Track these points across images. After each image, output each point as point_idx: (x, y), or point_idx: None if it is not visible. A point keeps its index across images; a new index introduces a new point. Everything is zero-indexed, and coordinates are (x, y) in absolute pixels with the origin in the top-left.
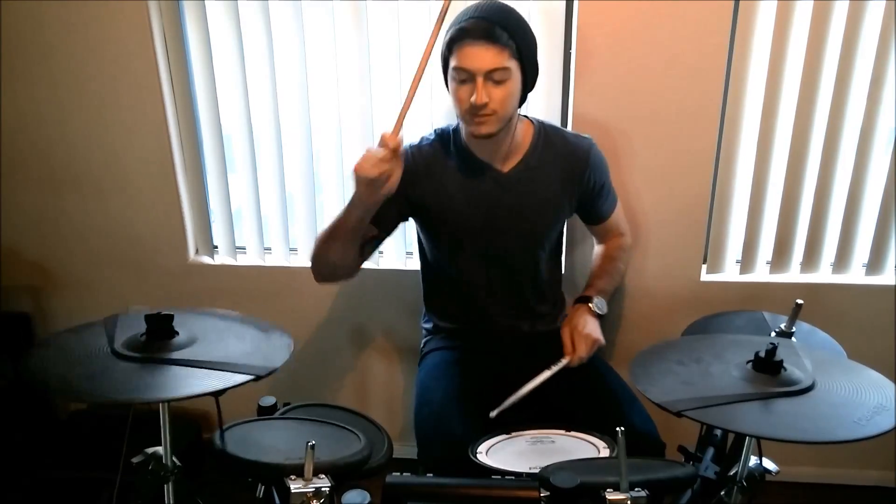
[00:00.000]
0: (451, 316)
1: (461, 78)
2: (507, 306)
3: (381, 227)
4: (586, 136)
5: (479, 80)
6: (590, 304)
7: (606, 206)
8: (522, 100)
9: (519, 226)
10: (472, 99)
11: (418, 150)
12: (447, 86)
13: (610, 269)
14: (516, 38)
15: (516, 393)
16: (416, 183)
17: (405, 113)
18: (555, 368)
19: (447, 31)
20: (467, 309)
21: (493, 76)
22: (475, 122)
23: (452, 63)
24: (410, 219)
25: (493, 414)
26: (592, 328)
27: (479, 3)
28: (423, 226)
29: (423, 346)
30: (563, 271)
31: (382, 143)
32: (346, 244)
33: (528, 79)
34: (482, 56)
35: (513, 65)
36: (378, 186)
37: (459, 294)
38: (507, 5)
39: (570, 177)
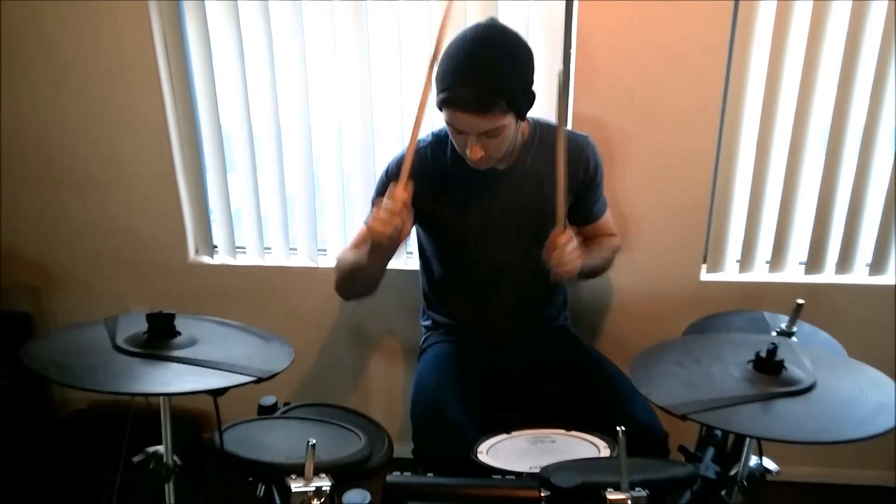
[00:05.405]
0: (451, 314)
1: (454, 130)
2: (506, 305)
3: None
4: (583, 133)
5: (472, 138)
6: None
7: (598, 207)
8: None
9: (517, 223)
10: (467, 152)
11: (415, 153)
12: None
13: (593, 246)
14: (505, 93)
15: None
16: (415, 186)
17: (409, 162)
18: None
19: (436, 84)
20: (466, 308)
21: (487, 133)
22: (472, 164)
23: (444, 117)
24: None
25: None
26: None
27: (463, 59)
28: (423, 227)
29: (423, 343)
30: None
31: (391, 196)
32: (369, 280)
33: (523, 112)
34: (473, 123)
35: (506, 118)
36: (393, 239)
37: (458, 293)
38: (492, 53)
39: (567, 172)
